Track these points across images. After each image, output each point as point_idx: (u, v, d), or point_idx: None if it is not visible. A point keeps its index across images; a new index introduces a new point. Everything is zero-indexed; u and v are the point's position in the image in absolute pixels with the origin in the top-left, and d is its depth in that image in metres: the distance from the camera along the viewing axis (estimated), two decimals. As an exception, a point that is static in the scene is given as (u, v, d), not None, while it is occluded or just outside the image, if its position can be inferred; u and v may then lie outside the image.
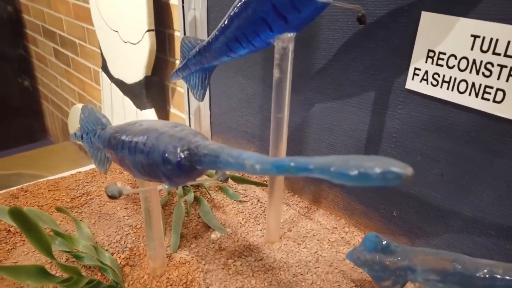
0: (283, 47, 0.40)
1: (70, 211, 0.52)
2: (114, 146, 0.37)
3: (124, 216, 0.53)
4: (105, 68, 1.34)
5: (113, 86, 1.35)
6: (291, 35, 0.39)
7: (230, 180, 0.61)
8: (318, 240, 0.51)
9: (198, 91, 0.52)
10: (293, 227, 0.53)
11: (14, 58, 1.93)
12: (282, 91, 0.42)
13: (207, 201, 0.57)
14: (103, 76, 1.35)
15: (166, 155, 0.31)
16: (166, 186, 0.33)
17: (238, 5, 0.40)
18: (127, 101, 1.29)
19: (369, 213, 0.51)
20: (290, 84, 0.42)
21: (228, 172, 0.38)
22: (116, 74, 1.30)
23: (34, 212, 0.42)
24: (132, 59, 1.19)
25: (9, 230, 0.49)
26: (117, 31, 1.17)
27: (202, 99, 0.52)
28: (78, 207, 0.55)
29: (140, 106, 1.20)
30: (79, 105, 1.69)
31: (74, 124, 1.75)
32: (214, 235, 0.50)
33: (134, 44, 1.12)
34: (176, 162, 0.31)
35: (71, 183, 0.61)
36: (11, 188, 0.59)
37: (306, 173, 0.23)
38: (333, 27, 0.49)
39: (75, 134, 0.49)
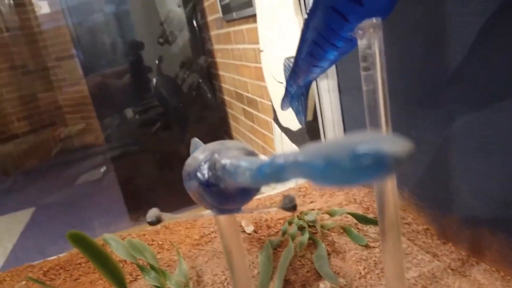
0: (367, 43, 0.31)
1: (153, 254, 0.53)
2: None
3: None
4: (276, 119, 1.41)
5: (283, 135, 1.40)
6: (375, 20, 0.30)
7: (357, 223, 0.51)
8: (468, 306, 0.35)
9: (300, 116, 0.46)
10: (433, 284, 0.39)
11: (218, 120, 2.27)
12: (374, 105, 0.32)
13: (327, 244, 0.49)
14: (275, 127, 1.43)
15: (197, 174, 0.27)
16: (211, 213, 0.29)
17: (310, 5, 0.34)
18: (295, 148, 1.30)
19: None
20: (386, 90, 0.32)
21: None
22: (284, 123, 1.35)
23: (134, 244, 0.43)
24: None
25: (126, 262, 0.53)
26: (281, 82, 1.23)
27: (305, 124, 0.46)
28: (202, 244, 0.55)
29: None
30: (261, 157, 1.82)
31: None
32: (323, 285, 0.41)
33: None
34: (204, 181, 0.26)
35: (206, 221, 0.63)
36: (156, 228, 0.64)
37: (284, 174, 0.15)
38: (460, 10, 0.36)
39: None
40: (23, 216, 2.45)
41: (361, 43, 0.31)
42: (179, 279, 0.42)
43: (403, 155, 0.11)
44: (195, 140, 0.45)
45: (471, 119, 0.38)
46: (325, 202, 0.62)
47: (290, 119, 1.32)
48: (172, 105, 1.86)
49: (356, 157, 0.11)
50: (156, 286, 0.41)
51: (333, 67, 0.63)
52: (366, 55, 0.32)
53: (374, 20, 0.30)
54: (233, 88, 2.00)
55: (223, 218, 0.35)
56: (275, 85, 1.25)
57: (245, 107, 1.86)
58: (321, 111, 0.70)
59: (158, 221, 0.28)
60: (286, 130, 1.35)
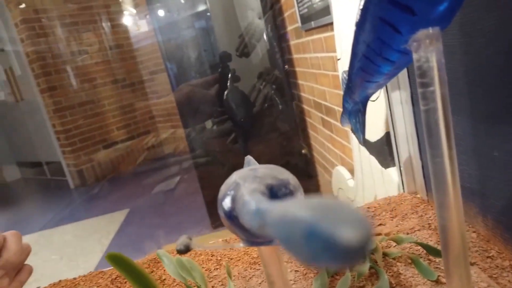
0: (424, 56, 0.27)
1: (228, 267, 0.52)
2: None
3: (290, 280, 0.48)
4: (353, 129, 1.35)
5: (361, 146, 1.35)
6: (431, 31, 0.26)
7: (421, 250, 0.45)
8: None
9: (358, 134, 0.42)
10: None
11: (290, 131, 2.25)
12: (435, 127, 0.28)
13: (391, 275, 0.44)
14: (353, 137, 1.37)
15: (222, 203, 0.26)
16: (242, 245, 0.27)
17: (358, 16, 0.31)
18: (373, 160, 1.25)
19: None
20: (448, 108, 0.28)
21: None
22: (362, 133, 1.29)
23: (183, 263, 0.43)
24: (373, 117, 1.17)
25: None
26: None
27: (364, 142, 0.42)
28: (259, 264, 0.54)
29: (384, 164, 1.13)
30: (339, 168, 1.75)
31: (336, 184, 1.82)
32: (381, 324, 0.37)
33: (374, 101, 1.09)
34: (227, 212, 0.25)
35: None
36: (219, 239, 0.64)
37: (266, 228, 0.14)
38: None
39: None
40: (119, 216, 2.67)
41: (417, 56, 0.28)
42: (226, 302, 0.41)
43: (362, 242, 0.08)
44: (249, 159, 0.44)
45: None
46: (396, 226, 0.56)
47: (368, 130, 1.26)
48: (242, 117, 1.89)
49: (308, 237, 0.09)
50: (202, 308, 0.40)
51: (406, 76, 0.57)
52: (422, 69, 0.28)
53: (430, 30, 0.26)
54: (312, 97, 1.98)
55: (264, 247, 0.34)
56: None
57: (323, 116, 1.82)
58: (393, 124, 0.64)
59: (186, 249, 0.27)
60: (364, 141, 1.29)
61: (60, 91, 3.35)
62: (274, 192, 0.24)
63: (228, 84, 1.80)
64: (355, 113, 0.42)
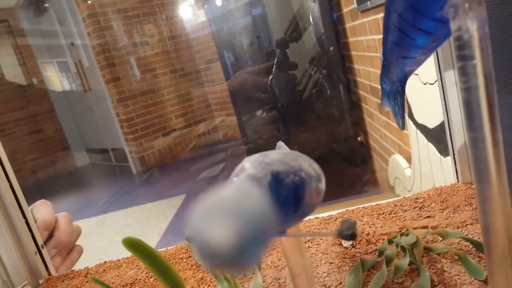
0: (463, 25, 0.23)
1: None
2: None
3: (323, 272, 0.45)
4: (411, 115, 1.29)
5: (418, 132, 1.28)
6: (471, -6, 0.23)
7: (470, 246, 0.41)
8: None
9: (397, 117, 0.38)
10: None
11: (348, 116, 2.17)
12: (475, 107, 0.24)
13: (434, 272, 0.40)
14: (410, 123, 1.31)
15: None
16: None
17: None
18: (431, 147, 1.18)
19: None
20: (492, 93, 0.24)
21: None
22: (419, 119, 1.23)
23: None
24: (430, 101, 1.09)
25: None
26: (417, 74, 1.11)
27: (403, 127, 0.38)
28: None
29: (443, 152, 1.06)
30: (396, 156, 1.67)
31: (392, 173, 1.74)
32: (417, 326, 0.34)
33: (432, 84, 1.02)
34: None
35: (306, 224, 0.59)
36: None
37: None
38: None
39: None
40: (176, 202, 2.78)
41: (454, 25, 0.24)
42: (251, 292, 0.40)
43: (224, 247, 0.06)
44: (280, 144, 0.42)
45: None
46: (445, 219, 0.51)
47: (426, 115, 1.18)
48: (284, 102, 1.85)
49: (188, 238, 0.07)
50: (225, 297, 0.39)
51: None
52: (462, 40, 0.24)
53: (469, -8, 0.22)
54: (368, 82, 1.89)
55: (285, 239, 0.32)
56: (411, 77, 1.14)
57: (379, 101, 1.74)
58: (446, 110, 0.58)
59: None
60: (421, 127, 1.22)
61: (123, 81, 3.53)
62: (280, 179, 0.22)
63: (273, 69, 1.77)
64: (393, 94, 0.38)
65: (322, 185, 0.27)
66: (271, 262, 0.50)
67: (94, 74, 3.66)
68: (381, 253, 0.44)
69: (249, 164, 0.23)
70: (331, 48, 1.89)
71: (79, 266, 0.69)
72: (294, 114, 1.88)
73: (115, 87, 3.47)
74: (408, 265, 0.41)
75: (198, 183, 2.73)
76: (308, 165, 0.26)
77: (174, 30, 3.64)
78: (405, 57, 0.31)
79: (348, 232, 0.24)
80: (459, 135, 0.57)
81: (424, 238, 0.45)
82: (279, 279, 0.46)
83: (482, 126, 0.24)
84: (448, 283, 0.39)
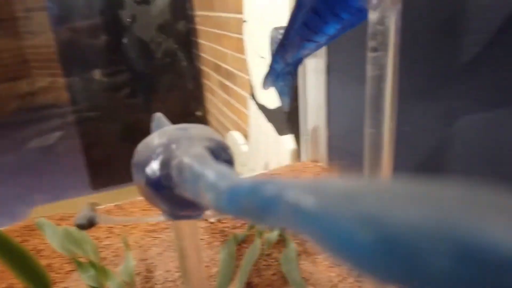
0: (381, 14, 0.25)
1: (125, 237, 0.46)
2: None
3: (194, 249, 0.44)
4: (253, 95, 1.35)
5: (259, 112, 1.35)
6: (393, -9, 0.24)
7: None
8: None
9: (284, 97, 0.40)
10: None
11: (192, 91, 2.17)
12: (379, 96, 0.26)
13: (297, 243, 0.43)
14: (251, 103, 1.37)
15: (146, 169, 0.20)
16: (161, 219, 0.23)
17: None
18: (270, 127, 1.26)
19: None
20: (396, 78, 0.26)
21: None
22: (261, 100, 1.30)
23: (72, 234, 0.36)
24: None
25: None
26: (264, 57, 1.16)
27: (288, 107, 0.40)
28: (158, 231, 0.49)
29: (280, 131, 1.14)
30: (233, 132, 1.75)
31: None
32: (291, 294, 0.36)
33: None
34: (153, 181, 0.20)
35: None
36: (110, 204, 0.57)
37: (273, 215, 0.09)
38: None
39: None
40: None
41: (373, 16, 0.25)
42: (122, 279, 0.36)
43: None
44: (158, 116, 0.38)
45: (480, 122, 0.33)
46: (299, 194, 0.56)
47: (267, 96, 1.26)
48: (143, 70, 1.75)
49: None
50: (92, 286, 0.34)
51: (323, 46, 0.56)
52: (377, 32, 0.25)
53: (392, -12, 0.24)
54: (212, 59, 1.91)
55: (184, 222, 0.29)
56: (257, 59, 1.19)
57: (222, 79, 1.78)
58: (304, 93, 0.63)
59: (90, 224, 0.21)
60: (262, 108, 1.30)
61: None
62: (215, 158, 0.19)
63: (128, 32, 1.62)
64: (284, 75, 0.39)
65: None
66: (135, 242, 0.46)
67: None
68: (251, 226, 0.46)
69: (175, 141, 0.20)
70: (179, 18, 1.83)
71: None
72: (152, 82, 1.77)
73: None
74: (277, 237, 0.44)
75: (15, 153, 2.30)
76: (221, 140, 0.24)
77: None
78: (310, 40, 0.31)
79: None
80: (312, 118, 0.63)
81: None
82: (145, 259, 0.43)
83: (382, 113, 0.27)
84: (310, 252, 0.43)
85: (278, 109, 1.13)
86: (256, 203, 0.10)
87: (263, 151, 1.41)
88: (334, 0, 0.26)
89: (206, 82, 2.09)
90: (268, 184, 0.10)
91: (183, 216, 0.23)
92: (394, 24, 0.24)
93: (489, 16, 0.31)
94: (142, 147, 0.23)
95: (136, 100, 1.79)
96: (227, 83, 1.70)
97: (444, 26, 0.35)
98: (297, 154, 0.91)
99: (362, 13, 0.26)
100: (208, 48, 1.88)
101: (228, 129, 1.87)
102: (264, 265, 0.41)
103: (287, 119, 1.05)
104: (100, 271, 0.35)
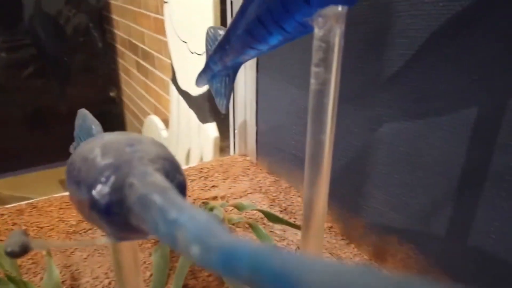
0: (327, 32, 0.26)
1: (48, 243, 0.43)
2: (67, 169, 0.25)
3: (123, 252, 0.43)
4: (174, 80, 1.31)
5: (180, 98, 1.32)
6: (340, 9, 0.25)
7: (263, 217, 0.48)
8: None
9: (221, 99, 0.39)
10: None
11: (107, 73, 2.03)
12: (323, 102, 0.27)
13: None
14: (172, 88, 1.33)
15: (92, 191, 0.19)
16: (105, 241, 0.21)
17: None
18: (192, 114, 1.23)
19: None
20: (337, 92, 0.27)
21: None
22: (183, 86, 1.26)
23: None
24: (197, 71, 1.13)
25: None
26: (186, 42, 1.13)
27: (225, 110, 0.40)
28: (80, 233, 0.46)
29: (203, 119, 1.13)
30: (153, 117, 1.69)
31: (148, 134, 1.75)
32: (227, 294, 0.37)
33: (200, 54, 1.05)
34: (103, 206, 0.18)
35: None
36: (21, 203, 0.52)
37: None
38: (415, 12, 0.33)
39: (73, 145, 0.40)
40: None
41: (318, 33, 0.26)
42: (48, 290, 0.33)
43: None
44: (83, 113, 0.35)
45: (402, 129, 0.36)
46: (229, 188, 0.57)
47: (190, 83, 1.23)
48: (51, 48, 1.59)
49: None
50: (15, 301, 0.31)
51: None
52: (321, 48, 0.26)
53: (340, 8, 0.25)
54: (128, 37, 1.80)
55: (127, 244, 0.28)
56: (178, 43, 1.15)
57: (139, 60, 1.69)
58: (234, 88, 0.63)
59: (23, 251, 0.19)
60: (184, 94, 1.27)
61: None
62: (169, 181, 0.18)
63: (33, 5, 1.44)
64: (221, 77, 0.38)
65: None
66: (55, 247, 0.43)
67: None
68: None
69: (126, 161, 0.18)
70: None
71: None
72: (65, 63, 1.60)
73: None
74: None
75: None
76: (170, 156, 0.23)
77: None
78: (252, 48, 0.31)
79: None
80: (240, 113, 0.64)
81: (223, 209, 0.49)
82: (69, 266, 0.40)
83: (324, 123, 0.28)
84: (244, 250, 0.44)
85: (200, 96, 1.12)
86: (261, 280, 0.10)
87: (184, 138, 1.38)
88: (280, 13, 0.26)
89: (120, 61, 1.97)
90: (272, 258, 0.09)
91: (128, 238, 0.22)
92: (338, 42, 0.25)
93: (410, 34, 0.34)
94: (82, 163, 0.20)
95: (42, 80, 1.63)
96: (145, 64, 1.63)
97: (373, 40, 0.37)
98: (220, 143, 0.91)
99: (306, 28, 0.27)
100: (123, 25, 1.77)
101: (147, 113, 1.80)
102: (199, 267, 0.41)
103: (210, 108, 1.04)
104: (20, 285, 0.32)
